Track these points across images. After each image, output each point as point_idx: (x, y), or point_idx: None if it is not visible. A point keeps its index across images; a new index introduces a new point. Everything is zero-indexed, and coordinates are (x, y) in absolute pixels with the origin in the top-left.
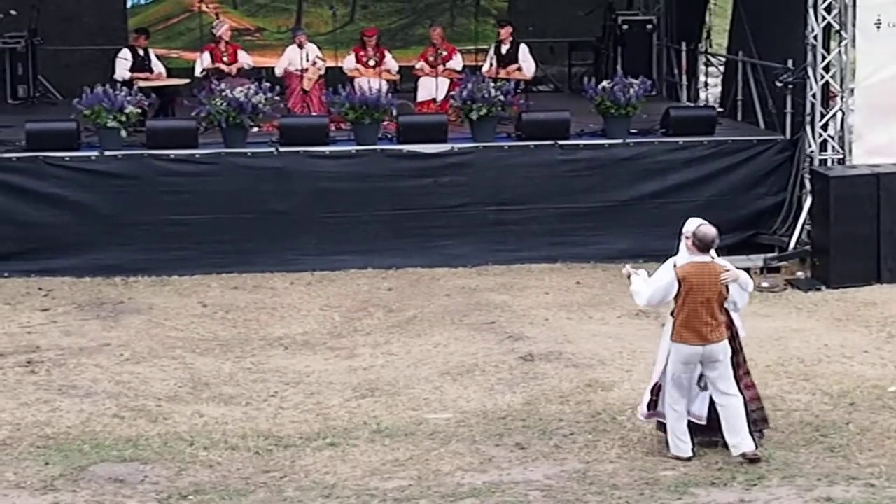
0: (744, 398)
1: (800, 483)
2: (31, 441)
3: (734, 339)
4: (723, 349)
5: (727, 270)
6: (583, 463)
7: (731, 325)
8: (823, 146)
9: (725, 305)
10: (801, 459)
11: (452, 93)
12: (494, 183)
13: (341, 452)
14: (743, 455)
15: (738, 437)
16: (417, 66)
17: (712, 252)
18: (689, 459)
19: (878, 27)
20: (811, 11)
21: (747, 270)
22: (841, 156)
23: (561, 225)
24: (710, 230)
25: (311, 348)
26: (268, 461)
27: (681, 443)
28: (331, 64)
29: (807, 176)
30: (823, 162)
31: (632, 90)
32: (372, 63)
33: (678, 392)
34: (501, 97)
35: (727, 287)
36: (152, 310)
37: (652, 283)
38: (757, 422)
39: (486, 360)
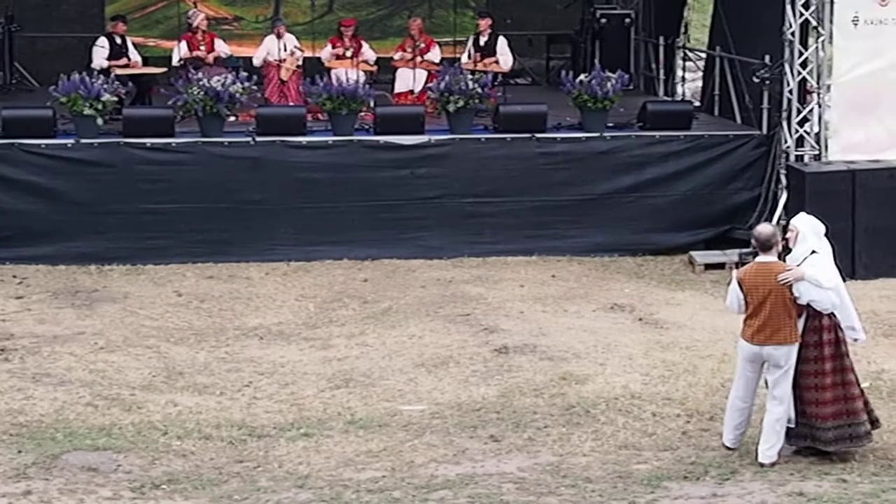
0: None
1: (772, 478)
2: (3, 429)
3: (821, 345)
4: (784, 355)
5: (788, 270)
6: (556, 456)
7: (818, 329)
8: (800, 142)
9: (813, 307)
10: None
11: (430, 84)
12: (471, 175)
13: (315, 443)
14: (760, 464)
15: (765, 446)
16: (395, 58)
17: (813, 248)
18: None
19: (856, 24)
20: (789, 8)
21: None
22: (817, 152)
23: (537, 218)
24: (764, 229)
25: (286, 338)
26: (241, 451)
27: (727, 430)
28: (308, 54)
29: (783, 171)
30: (799, 158)
31: (609, 84)
32: (349, 54)
33: (743, 385)
34: (479, 89)
35: (790, 288)
36: (127, 298)
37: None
38: (839, 440)
39: (460, 352)
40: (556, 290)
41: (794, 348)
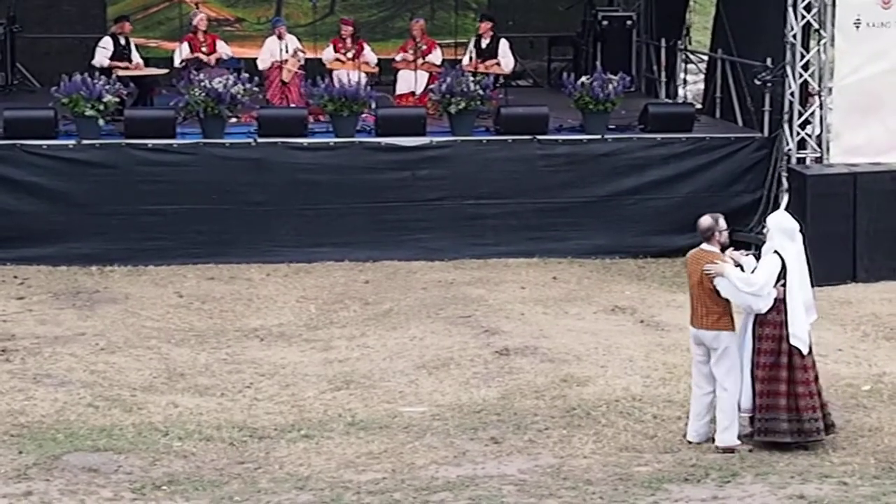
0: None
1: (773, 480)
2: (4, 429)
3: (762, 338)
4: (712, 338)
5: (715, 263)
6: (557, 458)
7: (764, 323)
8: (801, 144)
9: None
10: (774, 457)
11: (431, 86)
12: (472, 177)
13: (316, 444)
14: (716, 447)
15: (719, 429)
16: (397, 59)
17: (775, 248)
18: (696, 444)
19: (858, 27)
20: (790, 10)
21: None
22: (818, 154)
23: (538, 220)
24: (703, 220)
25: (287, 340)
26: (242, 452)
27: (690, 425)
28: (310, 55)
29: (784, 174)
30: (801, 160)
31: (611, 86)
32: (350, 55)
33: (695, 371)
34: (480, 91)
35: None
36: (128, 299)
37: None
38: (767, 432)
39: (461, 353)
40: (557, 292)
41: (725, 335)
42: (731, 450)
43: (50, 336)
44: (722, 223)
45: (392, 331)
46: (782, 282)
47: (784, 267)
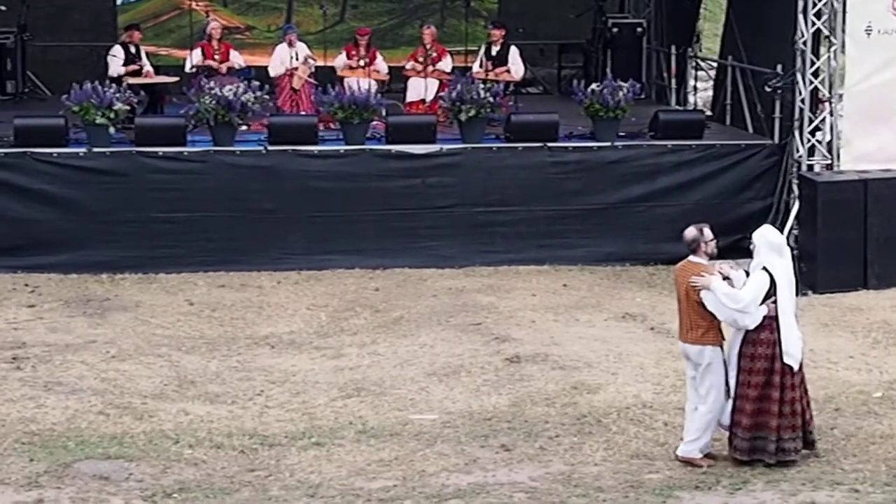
0: (742, 421)
1: (784, 488)
2: (15, 437)
3: (754, 357)
4: (696, 353)
5: (699, 275)
6: (568, 465)
7: (755, 342)
8: (811, 151)
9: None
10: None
11: (442, 94)
12: (482, 184)
13: (326, 452)
14: (676, 456)
15: (686, 440)
16: (407, 67)
17: (763, 264)
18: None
19: (869, 34)
20: (801, 17)
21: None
22: (829, 161)
23: (549, 227)
24: (688, 232)
25: (298, 347)
26: (253, 460)
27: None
28: (321, 63)
29: (794, 181)
30: (811, 167)
31: (621, 93)
32: (362, 63)
33: (687, 386)
34: (490, 99)
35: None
36: (139, 307)
37: None
38: (753, 450)
39: (472, 361)
40: (568, 300)
41: (709, 350)
42: (690, 462)
43: (61, 344)
44: (707, 233)
45: (402, 338)
46: (773, 298)
47: (773, 283)
